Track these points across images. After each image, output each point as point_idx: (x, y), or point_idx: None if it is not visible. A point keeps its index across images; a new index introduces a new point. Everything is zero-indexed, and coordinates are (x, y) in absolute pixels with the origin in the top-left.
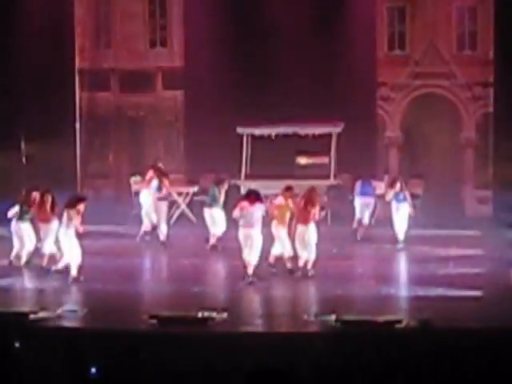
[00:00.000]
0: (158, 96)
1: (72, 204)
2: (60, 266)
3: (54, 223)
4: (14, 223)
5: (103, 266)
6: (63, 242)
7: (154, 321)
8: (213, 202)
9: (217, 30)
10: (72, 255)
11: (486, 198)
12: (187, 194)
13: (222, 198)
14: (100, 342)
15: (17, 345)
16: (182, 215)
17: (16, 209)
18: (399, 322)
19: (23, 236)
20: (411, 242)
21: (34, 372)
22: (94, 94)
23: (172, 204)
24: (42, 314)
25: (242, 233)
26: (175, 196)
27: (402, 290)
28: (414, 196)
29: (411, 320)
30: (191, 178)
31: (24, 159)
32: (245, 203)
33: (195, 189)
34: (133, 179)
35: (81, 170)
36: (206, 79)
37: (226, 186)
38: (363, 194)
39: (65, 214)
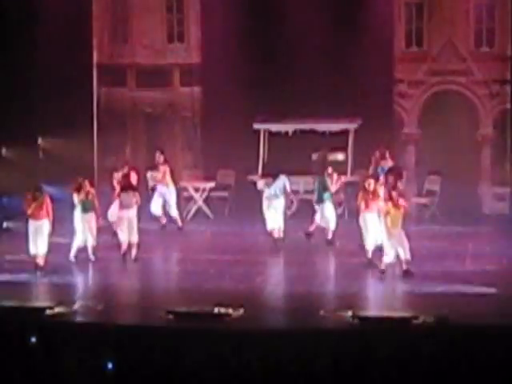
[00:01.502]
0: (175, 92)
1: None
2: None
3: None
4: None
5: (119, 261)
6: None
7: (171, 316)
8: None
9: (234, 25)
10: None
11: (503, 195)
12: (204, 189)
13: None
14: (116, 337)
15: (33, 340)
16: (199, 211)
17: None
18: (416, 318)
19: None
20: (428, 238)
21: (50, 367)
22: (111, 89)
23: (189, 200)
24: (58, 309)
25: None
26: (192, 192)
27: (419, 287)
28: (431, 193)
29: (428, 316)
30: (208, 173)
31: (41, 154)
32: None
33: (212, 184)
34: (149, 174)
35: (98, 165)
36: (223, 75)
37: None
38: None
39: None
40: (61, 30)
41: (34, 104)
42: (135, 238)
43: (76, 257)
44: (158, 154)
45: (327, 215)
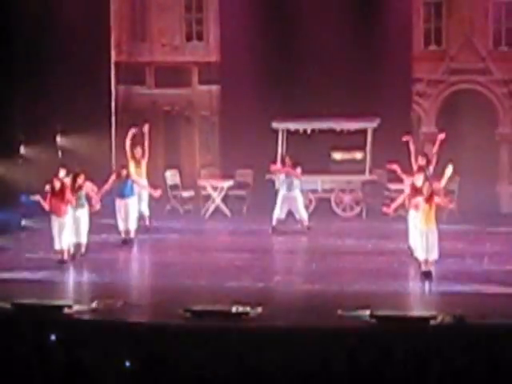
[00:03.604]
0: (193, 90)
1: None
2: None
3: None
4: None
5: (137, 259)
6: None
7: (188, 314)
8: None
9: (253, 24)
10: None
11: None
12: (222, 188)
13: None
14: (134, 335)
15: (52, 338)
16: (217, 210)
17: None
18: (434, 317)
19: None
20: (446, 237)
21: (69, 365)
22: (129, 87)
23: (207, 198)
24: (76, 308)
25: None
26: (210, 190)
27: (437, 286)
28: (449, 192)
29: (446, 316)
30: (226, 172)
31: (60, 152)
32: None
33: (230, 183)
34: (168, 173)
35: (116, 163)
36: (242, 74)
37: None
38: None
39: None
40: (79, 29)
41: (52, 102)
42: (133, 226)
43: (74, 255)
44: (138, 149)
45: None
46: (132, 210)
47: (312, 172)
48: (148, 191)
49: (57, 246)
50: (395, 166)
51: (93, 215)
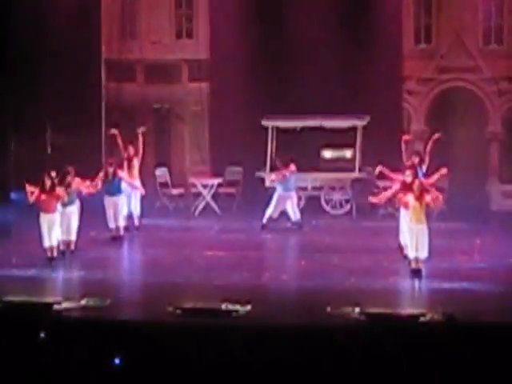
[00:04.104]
0: (183, 87)
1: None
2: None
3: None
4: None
5: (127, 257)
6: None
7: (178, 312)
8: None
9: (243, 22)
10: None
11: (511, 193)
12: (212, 186)
13: None
14: (123, 332)
15: (42, 335)
16: (207, 207)
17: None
18: (423, 315)
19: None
20: (436, 235)
21: (58, 362)
22: (119, 84)
23: (197, 196)
24: (65, 305)
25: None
26: (200, 188)
27: (427, 284)
28: (439, 190)
29: (436, 313)
30: (216, 170)
31: (49, 149)
32: None
33: (220, 181)
34: (158, 171)
35: (106, 160)
36: (232, 71)
37: None
38: None
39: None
40: (69, 25)
41: (42, 99)
42: (122, 223)
43: (63, 252)
44: (129, 147)
45: None
46: (121, 207)
47: (302, 170)
48: (135, 189)
49: (46, 243)
50: (382, 168)
51: (84, 213)
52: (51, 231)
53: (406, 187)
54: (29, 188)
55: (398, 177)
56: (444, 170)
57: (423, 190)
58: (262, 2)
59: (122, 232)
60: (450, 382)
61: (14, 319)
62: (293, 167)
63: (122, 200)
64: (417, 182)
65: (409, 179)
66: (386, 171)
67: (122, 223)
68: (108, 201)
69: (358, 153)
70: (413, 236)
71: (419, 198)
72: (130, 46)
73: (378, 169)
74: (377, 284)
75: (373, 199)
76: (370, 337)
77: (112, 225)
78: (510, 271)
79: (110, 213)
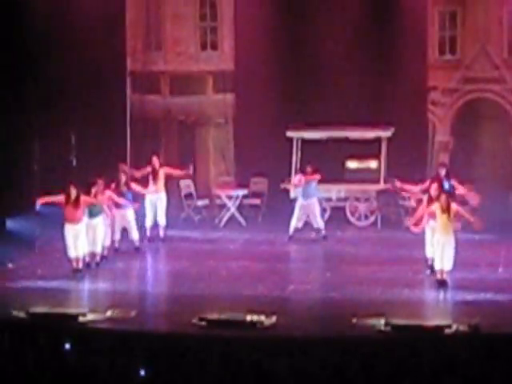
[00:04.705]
0: (208, 99)
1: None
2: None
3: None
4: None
5: (152, 268)
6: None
7: (203, 323)
8: None
9: (268, 33)
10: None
11: None
12: (237, 197)
13: None
14: (148, 343)
15: (67, 347)
16: (232, 218)
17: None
18: (449, 326)
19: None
20: (461, 245)
21: (83, 374)
22: (144, 96)
23: (222, 207)
24: (91, 316)
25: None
26: (225, 199)
27: (452, 295)
28: (463, 201)
29: (461, 325)
30: (241, 181)
31: (74, 161)
32: None
33: (245, 192)
34: (182, 182)
35: (130, 172)
36: (257, 82)
37: None
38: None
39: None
40: (95, 37)
41: (67, 111)
42: (135, 236)
43: (89, 264)
44: (154, 159)
45: None
46: (130, 219)
47: (326, 181)
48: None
49: (72, 254)
50: (399, 183)
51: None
52: (77, 242)
53: (432, 200)
54: (41, 200)
55: (416, 189)
56: (471, 194)
57: (450, 204)
58: (287, 14)
59: (137, 243)
60: None
61: (40, 331)
62: (317, 175)
63: (130, 212)
64: (443, 195)
65: (434, 193)
66: (405, 186)
67: (136, 236)
68: (117, 213)
69: (383, 164)
70: (439, 247)
71: (446, 210)
72: (154, 57)
73: (398, 184)
74: (402, 295)
75: (414, 229)
76: (395, 348)
77: (132, 237)
78: None
79: (117, 227)
